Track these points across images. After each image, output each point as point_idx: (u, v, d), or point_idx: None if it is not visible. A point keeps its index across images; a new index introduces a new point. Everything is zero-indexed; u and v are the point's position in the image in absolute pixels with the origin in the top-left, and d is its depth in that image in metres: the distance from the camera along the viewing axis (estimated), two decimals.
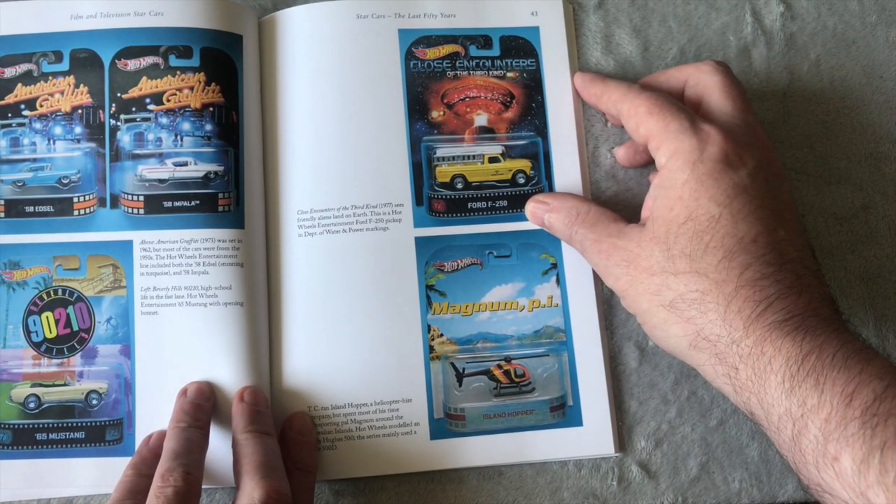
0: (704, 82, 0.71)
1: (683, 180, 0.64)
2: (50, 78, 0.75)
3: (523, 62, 0.79)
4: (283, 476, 0.65)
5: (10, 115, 0.75)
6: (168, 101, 0.74)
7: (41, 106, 0.75)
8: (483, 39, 0.79)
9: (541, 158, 0.77)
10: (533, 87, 0.79)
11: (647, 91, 0.70)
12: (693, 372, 0.74)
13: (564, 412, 0.72)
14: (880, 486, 0.50)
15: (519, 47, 0.79)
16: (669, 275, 0.63)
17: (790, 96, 0.80)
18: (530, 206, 0.75)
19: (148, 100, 0.74)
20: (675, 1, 0.82)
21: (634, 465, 0.73)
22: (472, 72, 0.78)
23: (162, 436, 0.69)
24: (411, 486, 0.72)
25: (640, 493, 0.72)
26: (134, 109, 0.74)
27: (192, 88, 0.74)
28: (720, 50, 0.81)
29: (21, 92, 0.75)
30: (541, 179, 0.77)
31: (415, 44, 0.78)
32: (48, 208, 0.73)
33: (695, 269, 0.62)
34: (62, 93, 0.75)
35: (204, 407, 0.69)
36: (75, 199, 0.73)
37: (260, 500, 0.62)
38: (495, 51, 0.79)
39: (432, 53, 0.78)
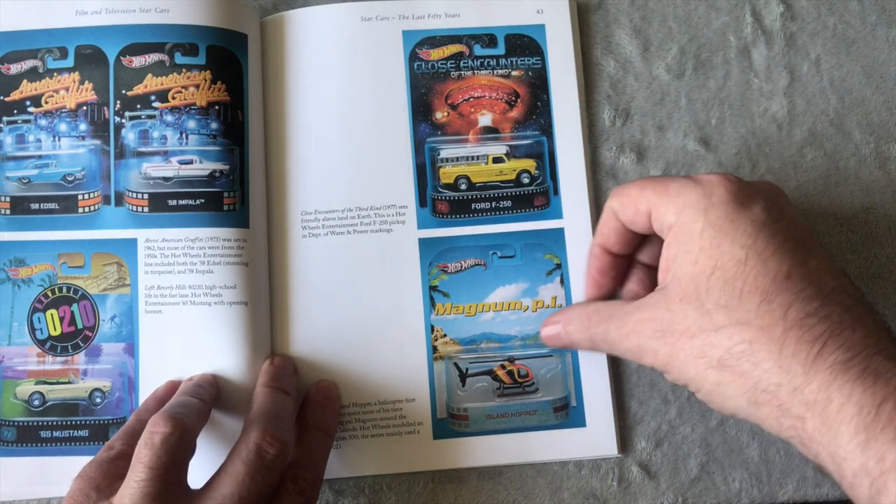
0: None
1: (700, 230, 0.60)
2: (55, 74, 0.75)
3: (528, 60, 0.79)
4: (288, 428, 0.66)
5: (15, 111, 0.75)
6: (173, 98, 0.74)
7: (46, 102, 0.75)
8: (488, 38, 0.79)
9: (546, 158, 0.77)
10: (538, 85, 0.78)
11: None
12: None
13: (568, 413, 0.73)
14: None
15: (524, 46, 0.79)
16: (710, 332, 0.58)
17: (790, 96, 0.80)
18: (544, 333, 0.73)
19: (153, 97, 0.74)
20: (675, 1, 0.82)
21: (635, 465, 0.73)
22: (476, 71, 0.78)
23: (170, 388, 0.70)
24: (411, 486, 0.73)
25: (640, 494, 0.73)
26: (139, 107, 0.74)
27: (197, 86, 0.74)
28: (720, 50, 0.81)
29: (26, 88, 0.75)
30: (545, 179, 0.77)
31: (419, 45, 0.78)
32: (53, 205, 0.73)
33: (735, 320, 0.57)
34: (67, 89, 0.75)
35: (208, 390, 0.69)
36: (80, 197, 0.74)
37: (254, 442, 0.62)
38: (500, 49, 0.79)
39: (436, 54, 0.78)
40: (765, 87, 0.80)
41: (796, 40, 0.82)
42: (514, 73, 0.78)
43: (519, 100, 0.78)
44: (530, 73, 0.79)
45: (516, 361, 0.74)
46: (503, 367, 0.74)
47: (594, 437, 0.73)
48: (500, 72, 0.78)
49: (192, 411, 0.64)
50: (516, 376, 0.73)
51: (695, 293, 0.60)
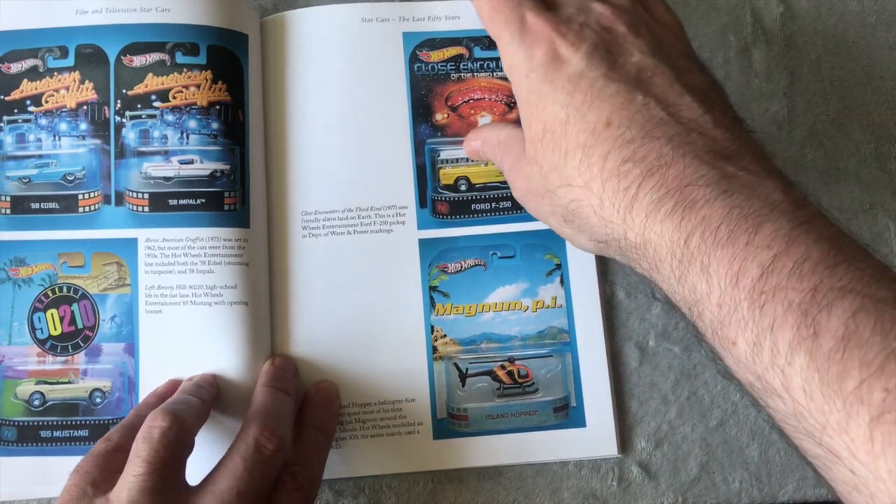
0: None
1: (525, 97, 0.61)
2: (55, 73, 0.75)
3: None
4: (287, 427, 0.66)
5: (15, 110, 0.75)
6: (174, 98, 0.74)
7: (46, 102, 0.75)
8: (487, 41, 0.78)
9: None
10: None
11: None
12: (693, 372, 0.75)
13: (568, 413, 0.73)
14: (775, 369, 0.47)
15: None
16: (550, 193, 0.61)
17: (790, 96, 0.80)
18: (467, 147, 0.75)
19: (154, 97, 0.74)
20: (675, 1, 0.82)
21: (634, 465, 0.73)
22: (476, 74, 0.78)
23: (171, 386, 0.70)
24: (411, 486, 0.73)
25: (640, 494, 0.73)
26: (139, 106, 0.74)
27: (198, 86, 0.74)
28: (720, 50, 0.81)
29: (27, 88, 0.75)
30: None
31: (419, 46, 0.78)
32: (53, 205, 0.73)
33: (564, 181, 0.58)
34: (67, 89, 0.75)
35: (208, 389, 0.69)
36: (80, 196, 0.74)
37: (253, 437, 0.62)
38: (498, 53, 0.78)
39: (436, 56, 0.78)
40: (765, 87, 0.81)
41: (796, 40, 0.82)
42: None
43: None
44: None
45: (516, 362, 0.74)
46: (503, 367, 0.74)
47: (594, 438, 0.73)
48: (499, 74, 0.78)
49: (191, 409, 0.64)
50: (516, 376, 0.73)
51: (534, 156, 0.61)
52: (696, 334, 0.54)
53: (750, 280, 0.48)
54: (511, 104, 0.78)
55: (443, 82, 0.78)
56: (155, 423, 0.61)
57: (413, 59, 0.78)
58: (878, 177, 0.79)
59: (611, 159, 0.55)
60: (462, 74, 0.78)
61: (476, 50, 0.79)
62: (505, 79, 0.77)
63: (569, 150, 0.58)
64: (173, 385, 0.70)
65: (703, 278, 0.51)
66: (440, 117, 0.77)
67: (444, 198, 0.76)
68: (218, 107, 0.74)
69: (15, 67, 0.75)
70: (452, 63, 0.78)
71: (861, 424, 0.43)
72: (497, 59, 0.78)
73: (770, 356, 0.47)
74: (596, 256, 0.75)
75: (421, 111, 0.77)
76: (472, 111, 0.78)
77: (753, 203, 0.51)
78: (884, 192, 0.79)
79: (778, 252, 0.48)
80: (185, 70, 0.74)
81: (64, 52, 0.75)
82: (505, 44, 0.62)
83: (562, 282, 0.75)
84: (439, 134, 0.77)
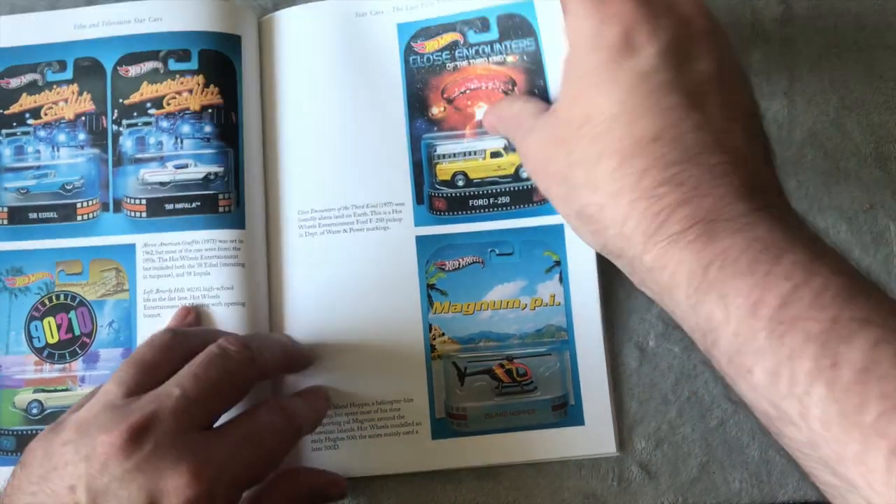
0: None
1: (582, 73, 0.57)
2: (54, 87, 0.76)
3: (522, 43, 0.77)
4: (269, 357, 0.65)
5: (14, 124, 0.76)
6: (168, 104, 0.74)
7: (45, 114, 0.76)
8: (480, 22, 0.78)
9: None
10: (534, 70, 0.77)
11: None
12: (694, 372, 0.74)
13: (566, 411, 0.72)
14: (792, 399, 0.47)
15: (517, 27, 0.77)
16: (570, 184, 0.58)
17: (790, 96, 0.80)
18: (486, 121, 0.75)
19: (149, 104, 0.75)
20: None
21: (635, 465, 0.73)
22: (471, 60, 0.77)
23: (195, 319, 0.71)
24: (411, 486, 0.72)
25: (640, 494, 0.72)
26: (135, 114, 0.75)
27: (191, 91, 0.74)
28: None
29: (26, 101, 0.76)
30: None
31: (413, 38, 0.78)
32: (52, 214, 0.74)
33: (589, 182, 0.56)
34: (66, 101, 0.76)
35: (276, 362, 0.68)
36: (79, 205, 0.74)
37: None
38: (493, 34, 0.77)
39: (431, 46, 0.78)
40: (765, 87, 0.80)
41: (796, 40, 0.81)
42: (510, 59, 0.77)
43: (515, 88, 0.77)
44: (525, 58, 0.77)
45: (515, 360, 0.73)
46: (502, 366, 0.73)
47: (593, 436, 0.72)
48: (495, 59, 0.77)
49: (264, 353, 0.64)
50: (515, 375, 0.73)
51: (564, 140, 0.58)
52: (706, 359, 0.54)
53: (768, 310, 0.48)
54: (508, 91, 0.77)
55: (438, 73, 0.78)
56: (232, 346, 0.61)
57: (408, 51, 0.78)
58: (878, 177, 0.79)
59: (648, 177, 0.54)
60: (458, 63, 0.78)
61: (470, 34, 0.78)
62: (501, 63, 0.77)
63: (606, 150, 0.55)
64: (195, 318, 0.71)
65: (719, 307, 0.50)
66: (436, 111, 0.77)
67: (441, 194, 0.76)
68: (210, 110, 0.74)
69: (14, 82, 0.76)
70: (448, 52, 0.78)
71: (879, 456, 0.43)
72: (492, 42, 0.78)
73: (788, 386, 0.47)
74: (596, 254, 0.74)
75: (417, 105, 0.77)
76: (469, 102, 0.77)
77: (775, 235, 0.51)
78: (884, 192, 0.79)
79: (797, 283, 0.48)
80: (177, 76, 0.75)
81: (63, 66, 0.76)
82: (575, 7, 0.58)
83: (560, 279, 0.74)
84: (436, 128, 0.77)
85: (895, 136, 0.79)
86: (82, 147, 0.75)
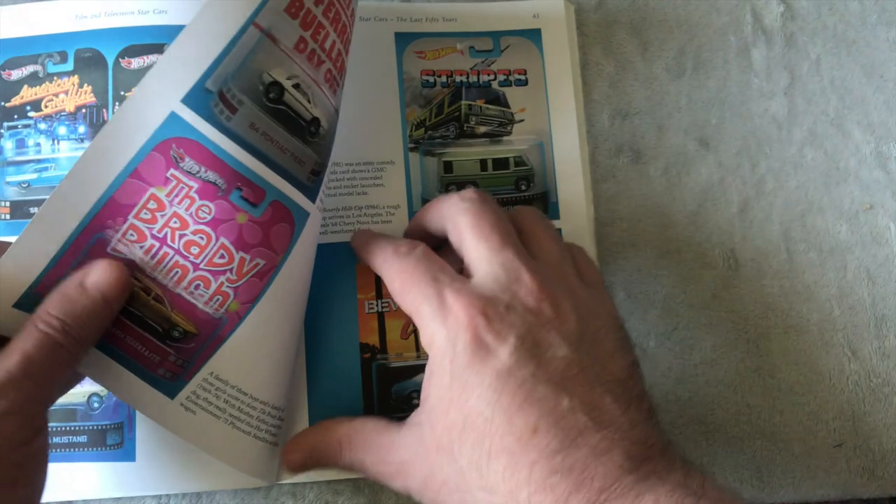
0: (455, 223, 0.64)
1: (448, 383, 0.57)
2: (55, 78, 0.75)
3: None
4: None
5: (15, 116, 0.75)
6: None
7: (46, 107, 0.75)
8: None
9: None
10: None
11: (403, 256, 0.63)
12: (694, 372, 0.74)
13: None
14: None
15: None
16: (465, 492, 0.57)
17: (790, 96, 0.80)
18: (286, 463, 0.70)
19: None
20: (675, 1, 0.82)
21: None
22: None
23: None
24: None
25: None
26: None
27: None
28: (720, 50, 0.81)
29: (27, 93, 0.75)
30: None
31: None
32: None
33: (485, 485, 0.55)
34: (67, 93, 0.75)
35: None
36: None
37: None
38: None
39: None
40: (765, 87, 0.80)
41: (796, 40, 0.82)
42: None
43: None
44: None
45: None
46: None
47: None
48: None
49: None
50: None
51: (448, 446, 0.57)
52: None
53: None
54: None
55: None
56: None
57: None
58: (878, 177, 0.79)
59: (537, 469, 0.54)
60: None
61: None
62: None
63: (493, 451, 0.55)
64: None
65: None
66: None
67: None
68: None
69: (15, 74, 0.75)
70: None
71: None
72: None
73: None
74: (597, 255, 0.75)
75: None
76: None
77: (660, 501, 0.52)
78: (884, 192, 0.79)
79: None
80: None
81: (63, 57, 0.75)
82: (425, 317, 0.60)
83: None
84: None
85: (895, 136, 0.79)
86: (83, 140, 0.74)
